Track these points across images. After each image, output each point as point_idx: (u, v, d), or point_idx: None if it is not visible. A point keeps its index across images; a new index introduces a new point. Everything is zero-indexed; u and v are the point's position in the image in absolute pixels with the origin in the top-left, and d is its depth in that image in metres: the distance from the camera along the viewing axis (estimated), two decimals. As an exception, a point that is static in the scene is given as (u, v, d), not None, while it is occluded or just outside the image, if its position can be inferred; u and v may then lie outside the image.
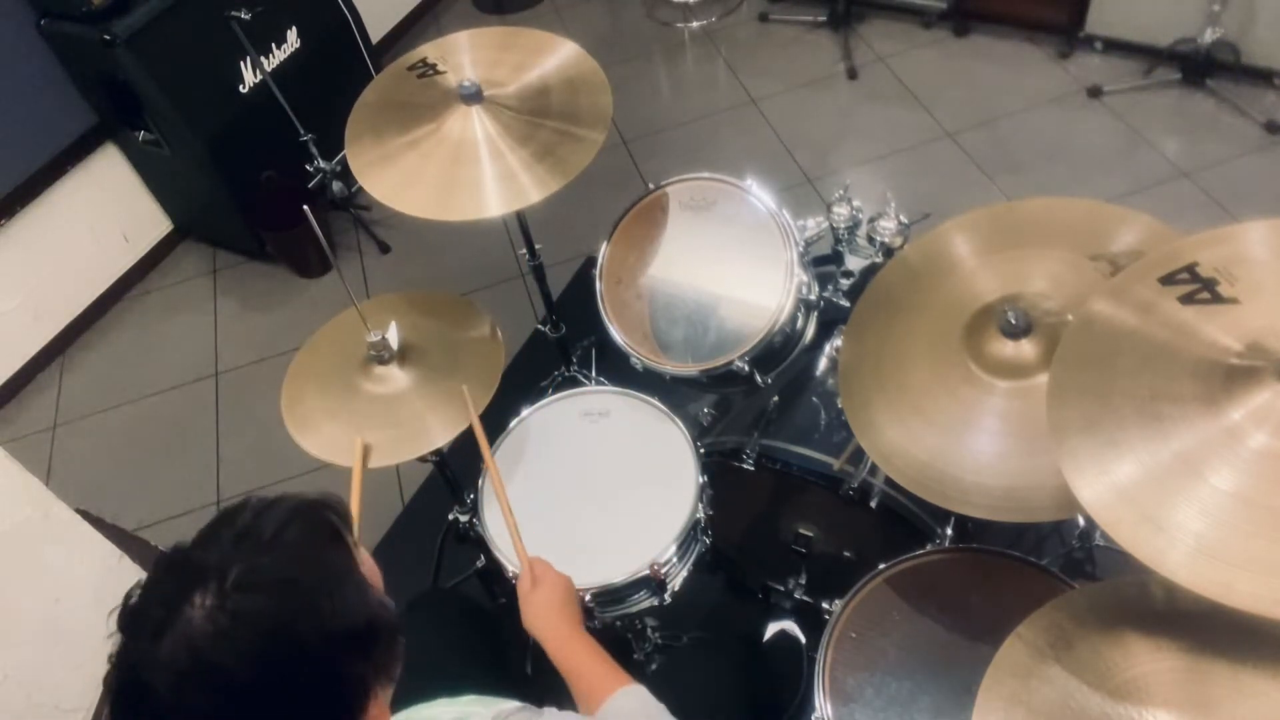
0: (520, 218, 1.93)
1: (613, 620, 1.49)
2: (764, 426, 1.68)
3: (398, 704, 0.94)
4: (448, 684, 1.08)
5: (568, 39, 1.75)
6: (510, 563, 1.45)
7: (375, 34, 3.48)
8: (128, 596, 0.77)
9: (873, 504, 1.52)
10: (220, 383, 2.85)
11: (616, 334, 1.63)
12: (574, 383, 2.31)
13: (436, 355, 1.57)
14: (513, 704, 1.02)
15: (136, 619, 0.75)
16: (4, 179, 2.68)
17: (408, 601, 1.58)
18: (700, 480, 1.49)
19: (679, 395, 1.68)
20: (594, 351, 2.40)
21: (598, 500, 1.51)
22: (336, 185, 2.79)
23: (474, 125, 1.63)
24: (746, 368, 1.56)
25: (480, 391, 1.52)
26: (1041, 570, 1.32)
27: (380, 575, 0.87)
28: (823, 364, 1.70)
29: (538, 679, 1.70)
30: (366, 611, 0.80)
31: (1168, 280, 1.04)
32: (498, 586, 2.03)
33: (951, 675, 1.26)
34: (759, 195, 1.63)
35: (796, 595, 1.78)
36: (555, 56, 1.73)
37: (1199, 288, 1.02)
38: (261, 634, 0.73)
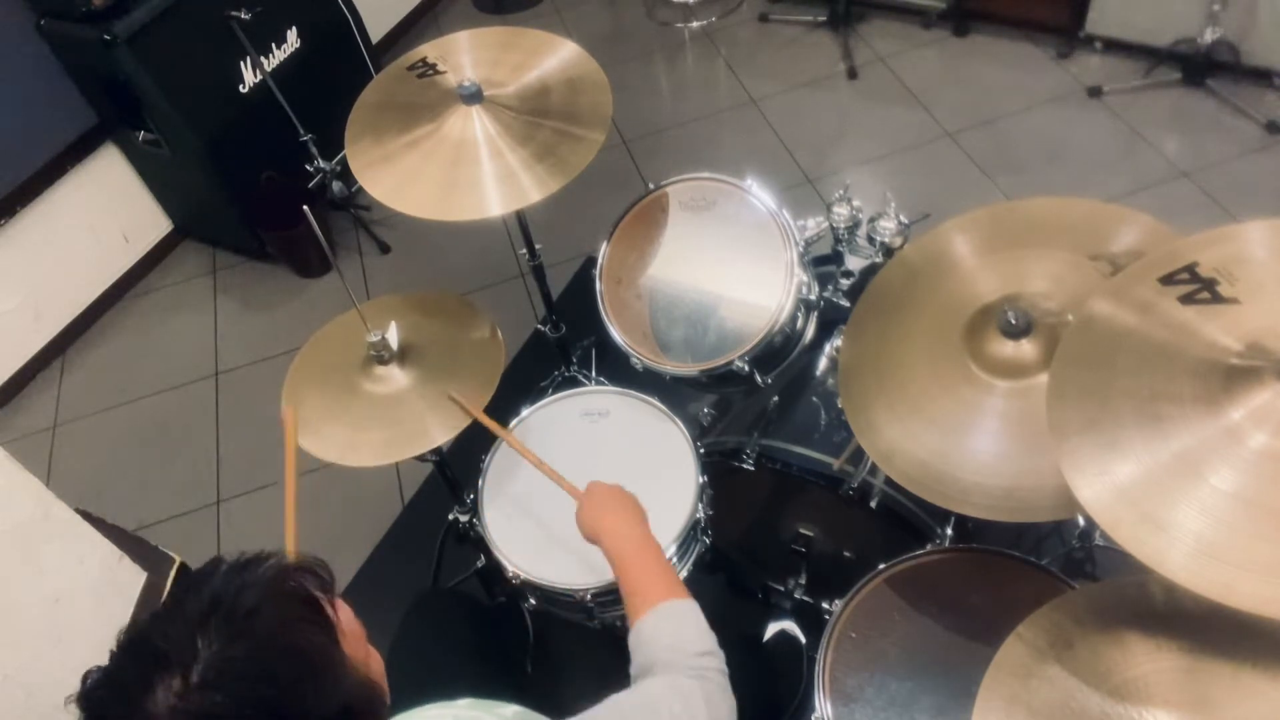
0: (520, 218, 1.93)
1: (613, 620, 1.49)
2: (764, 426, 1.68)
3: (393, 708, 0.93)
4: (446, 684, 1.07)
5: (568, 39, 1.75)
6: (509, 563, 1.45)
7: (375, 34, 3.48)
8: (86, 676, 0.73)
9: (873, 504, 1.52)
10: (220, 383, 2.85)
11: (616, 334, 1.63)
12: (574, 383, 2.31)
13: (436, 355, 1.57)
14: (513, 708, 1.01)
15: (98, 706, 0.71)
16: (4, 179, 2.68)
17: (408, 602, 1.57)
18: (700, 480, 1.49)
19: (679, 395, 1.68)
20: (594, 351, 2.40)
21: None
22: (336, 185, 2.79)
23: (474, 125, 1.62)
24: (746, 368, 1.56)
25: (480, 391, 1.52)
26: (1041, 570, 1.32)
27: (363, 632, 0.83)
28: (823, 364, 1.70)
29: (538, 678, 1.70)
30: (345, 695, 0.76)
31: (1168, 280, 1.04)
32: (498, 586, 2.03)
33: (951, 675, 1.26)
34: (759, 195, 1.63)
35: (796, 595, 1.78)
36: (555, 56, 1.73)
37: (1199, 288, 1.02)
38: None
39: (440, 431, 1.49)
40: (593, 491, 1.27)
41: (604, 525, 1.21)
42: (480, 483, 1.56)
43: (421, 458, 1.56)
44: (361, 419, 1.51)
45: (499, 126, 1.63)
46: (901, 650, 1.30)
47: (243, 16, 2.54)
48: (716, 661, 1.03)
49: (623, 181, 3.08)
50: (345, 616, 0.81)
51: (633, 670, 1.04)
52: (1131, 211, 1.31)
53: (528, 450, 1.41)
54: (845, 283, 1.71)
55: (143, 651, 0.72)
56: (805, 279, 1.59)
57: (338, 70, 3.02)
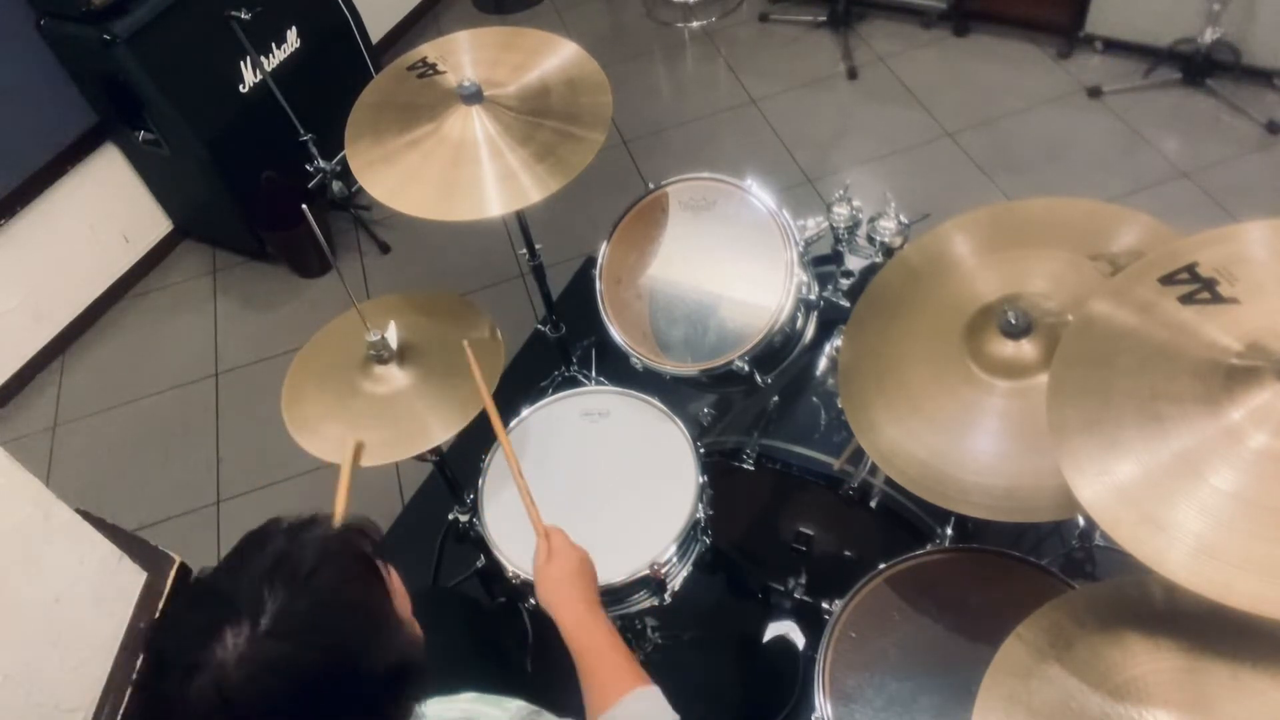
0: (520, 218, 1.93)
1: (613, 620, 1.48)
2: (764, 426, 1.68)
3: None
4: (445, 683, 1.08)
5: (568, 39, 1.75)
6: (509, 563, 1.45)
7: (375, 34, 3.48)
8: (154, 625, 0.76)
9: (873, 504, 1.52)
10: (220, 383, 2.85)
11: (616, 334, 1.63)
12: (574, 383, 2.31)
13: (436, 355, 1.57)
14: (517, 702, 1.01)
15: (167, 652, 0.74)
16: (4, 179, 2.68)
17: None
18: (700, 480, 1.49)
19: (679, 395, 1.68)
20: (594, 351, 2.40)
21: (598, 500, 1.51)
22: (336, 185, 2.79)
23: (474, 125, 1.62)
24: (746, 368, 1.56)
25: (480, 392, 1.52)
26: (1041, 570, 1.32)
27: (408, 599, 0.86)
28: (823, 364, 1.70)
29: (537, 677, 1.70)
30: (400, 652, 0.79)
31: (1168, 280, 1.04)
32: (498, 586, 2.03)
33: (951, 675, 1.26)
34: (759, 195, 1.63)
35: (796, 595, 1.78)
36: (555, 56, 1.73)
37: (1199, 288, 1.02)
38: (294, 684, 0.72)
39: (440, 431, 1.49)
40: (557, 551, 1.22)
41: (563, 601, 1.17)
42: (480, 483, 1.56)
43: (421, 458, 1.56)
44: (361, 419, 1.51)
45: (499, 126, 1.63)
46: (901, 650, 1.30)
47: (243, 16, 2.54)
48: None
49: (623, 181, 3.08)
50: (394, 579, 0.85)
51: None
52: (1131, 211, 1.31)
53: (513, 455, 1.38)
54: (845, 283, 1.71)
55: (212, 601, 0.74)
56: (805, 279, 1.59)
57: (338, 70, 3.02)
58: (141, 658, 0.75)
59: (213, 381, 2.85)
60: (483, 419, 1.48)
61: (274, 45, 2.84)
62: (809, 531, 1.67)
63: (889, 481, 1.51)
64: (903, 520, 1.54)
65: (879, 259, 1.66)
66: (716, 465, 1.64)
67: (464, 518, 1.86)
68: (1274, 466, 0.89)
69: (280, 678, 0.71)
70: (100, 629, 1.73)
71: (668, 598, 1.47)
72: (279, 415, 1.54)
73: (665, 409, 1.59)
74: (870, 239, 1.67)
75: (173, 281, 3.21)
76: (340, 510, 1.25)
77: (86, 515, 1.83)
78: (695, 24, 3.72)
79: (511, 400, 1.65)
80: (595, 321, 1.66)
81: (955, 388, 1.27)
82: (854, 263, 1.72)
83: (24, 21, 2.61)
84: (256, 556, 0.76)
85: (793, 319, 1.58)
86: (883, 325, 1.39)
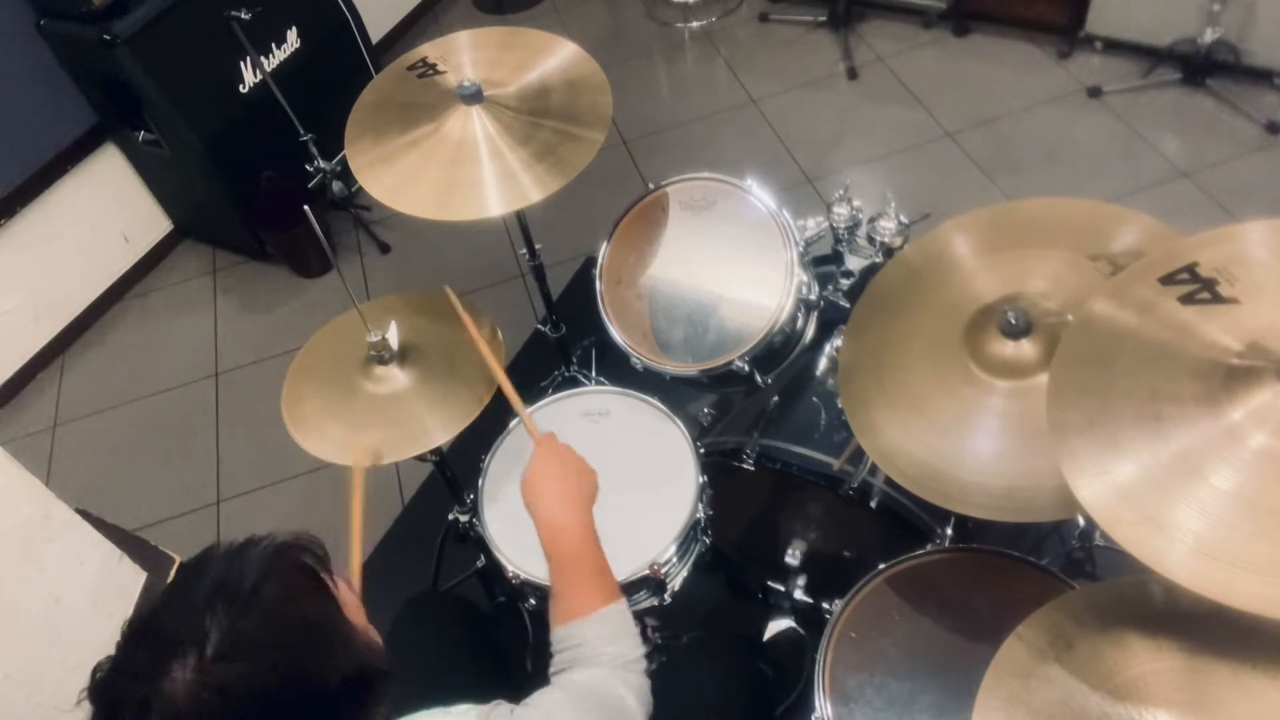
0: (520, 218, 1.93)
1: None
2: (764, 426, 1.68)
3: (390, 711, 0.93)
4: (442, 687, 1.07)
5: (568, 39, 1.75)
6: (510, 563, 1.45)
7: (375, 34, 3.48)
8: (96, 669, 0.74)
9: (873, 504, 1.52)
10: (220, 383, 2.85)
11: (616, 334, 1.63)
12: (574, 383, 2.31)
13: (436, 355, 1.57)
14: (474, 706, 0.99)
15: (113, 696, 0.72)
16: (4, 179, 2.68)
17: (403, 604, 1.57)
18: (700, 480, 1.49)
19: (679, 395, 1.68)
20: (594, 351, 2.40)
21: (598, 500, 1.51)
22: (336, 185, 2.79)
23: (474, 125, 1.62)
24: (746, 368, 1.56)
25: (480, 391, 1.52)
26: (1041, 570, 1.32)
27: (361, 608, 0.85)
28: (823, 364, 1.70)
29: (538, 675, 1.70)
30: (356, 657, 0.78)
31: (1168, 280, 1.04)
32: (498, 586, 2.03)
33: (951, 675, 1.26)
34: (759, 195, 1.63)
35: (796, 595, 1.78)
36: (555, 56, 1.73)
37: (1199, 288, 1.02)
38: (250, 704, 0.71)
39: (440, 431, 1.49)
40: (542, 452, 1.20)
41: (541, 505, 1.15)
42: (480, 483, 1.56)
43: (421, 458, 1.56)
44: (361, 419, 1.51)
45: (499, 126, 1.63)
46: (901, 650, 1.30)
47: (243, 16, 2.54)
48: (644, 664, 1.06)
49: (623, 181, 3.08)
50: (343, 589, 0.84)
51: (559, 663, 1.06)
52: (1131, 211, 1.31)
53: (500, 370, 1.40)
54: (845, 283, 1.71)
55: (152, 637, 0.73)
56: (805, 279, 1.59)
57: (338, 70, 3.02)
58: (92, 709, 0.72)
59: (213, 381, 2.85)
60: (484, 420, 1.48)
61: (274, 45, 2.84)
62: (809, 531, 1.67)
63: (889, 481, 1.50)
64: (903, 520, 1.54)
65: (879, 259, 1.66)
66: (716, 465, 1.64)
67: (464, 518, 1.86)
68: (1274, 466, 0.89)
69: (234, 700, 0.70)
70: (100, 629, 1.73)
71: (668, 598, 1.47)
72: (279, 415, 1.54)
73: (665, 409, 1.59)
74: (870, 239, 1.67)
75: (173, 281, 3.21)
76: (357, 537, 1.25)
77: (86, 515, 1.83)
78: (695, 24, 3.72)
79: (511, 400, 1.65)
80: (595, 321, 1.66)
81: (955, 388, 1.27)
82: (854, 263, 1.72)
83: (24, 21, 2.61)
84: (195, 585, 0.75)
85: (793, 319, 1.58)
86: (883, 325, 1.39)
